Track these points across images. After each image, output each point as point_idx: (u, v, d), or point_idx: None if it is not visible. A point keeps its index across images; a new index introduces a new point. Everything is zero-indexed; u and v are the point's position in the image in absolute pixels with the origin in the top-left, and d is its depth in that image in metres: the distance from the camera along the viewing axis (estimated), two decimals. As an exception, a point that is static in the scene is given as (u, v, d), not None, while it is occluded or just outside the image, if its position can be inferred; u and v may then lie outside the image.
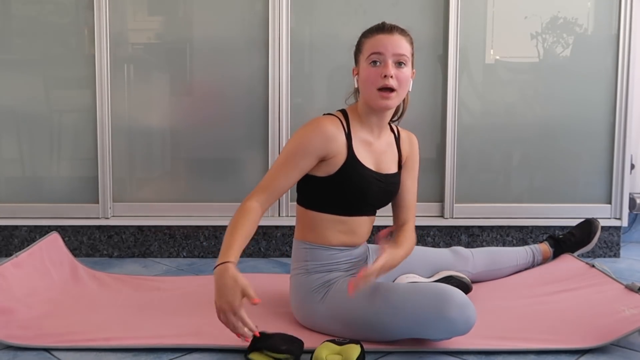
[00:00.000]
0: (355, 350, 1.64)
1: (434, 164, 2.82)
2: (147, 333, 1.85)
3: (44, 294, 2.10)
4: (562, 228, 2.76)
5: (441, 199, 2.81)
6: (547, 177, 2.84)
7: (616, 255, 2.83)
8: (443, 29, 2.75)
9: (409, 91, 1.90)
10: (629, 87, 2.75)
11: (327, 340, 1.69)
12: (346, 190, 1.86)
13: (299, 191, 1.92)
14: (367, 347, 1.70)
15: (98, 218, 2.78)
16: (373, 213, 1.97)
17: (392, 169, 1.95)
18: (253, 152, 2.80)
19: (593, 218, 2.52)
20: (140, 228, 2.80)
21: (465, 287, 2.12)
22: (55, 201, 2.80)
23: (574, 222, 2.61)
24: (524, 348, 1.75)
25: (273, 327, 1.86)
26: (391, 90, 1.80)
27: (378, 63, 1.80)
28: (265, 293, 2.20)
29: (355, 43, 1.90)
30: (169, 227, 2.80)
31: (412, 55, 1.87)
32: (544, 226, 2.80)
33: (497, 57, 2.82)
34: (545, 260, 2.44)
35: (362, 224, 1.93)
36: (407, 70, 1.83)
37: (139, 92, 2.81)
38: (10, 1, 2.74)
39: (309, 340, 1.76)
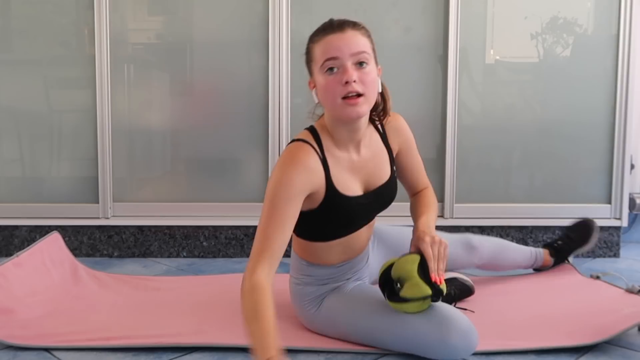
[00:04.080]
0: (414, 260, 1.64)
1: (434, 164, 2.82)
2: (147, 333, 1.85)
3: (44, 294, 2.10)
4: (562, 228, 2.76)
5: (441, 199, 2.81)
6: (547, 177, 2.84)
7: (616, 255, 2.83)
8: (443, 29, 2.75)
9: (384, 87, 1.72)
10: (628, 88, 2.75)
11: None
12: (333, 221, 1.74)
13: None
14: (364, 349, 1.70)
15: (98, 218, 2.78)
16: (372, 219, 1.89)
17: (385, 175, 1.80)
18: (253, 152, 2.80)
19: (588, 219, 2.47)
20: (140, 228, 2.80)
21: (468, 290, 2.12)
22: (56, 201, 2.80)
23: (574, 222, 2.62)
24: (524, 348, 1.75)
25: (279, 327, 1.87)
26: (358, 95, 1.59)
27: (335, 69, 1.59)
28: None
29: (306, 51, 1.72)
30: (169, 227, 2.80)
31: (374, 50, 1.66)
32: (544, 226, 2.80)
33: (497, 57, 2.82)
34: (544, 267, 2.42)
35: (360, 237, 1.84)
36: (370, 69, 1.61)
37: (139, 92, 2.82)
38: (10, 1, 2.74)
39: (312, 341, 1.77)
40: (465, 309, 2.00)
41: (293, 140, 1.71)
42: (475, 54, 2.79)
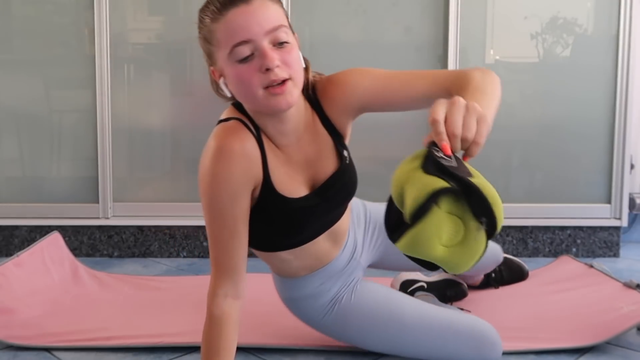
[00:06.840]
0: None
1: (434, 164, 2.81)
2: (147, 332, 1.85)
3: (44, 294, 2.10)
4: (562, 228, 2.77)
5: (441, 199, 2.80)
6: (547, 177, 2.84)
7: (616, 255, 2.83)
8: (443, 29, 2.75)
9: (305, 60, 1.42)
10: (628, 87, 2.75)
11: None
12: (273, 227, 1.43)
13: None
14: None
15: (98, 218, 2.78)
16: (330, 223, 1.53)
17: (330, 166, 1.44)
18: (253, 152, 2.80)
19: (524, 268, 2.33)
20: (140, 228, 2.80)
21: (462, 293, 2.11)
22: (56, 201, 2.80)
23: (573, 222, 2.62)
24: (524, 348, 1.75)
25: (279, 326, 1.86)
26: (283, 81, 1.25)
27: (250, 56, 1.25)
28: (266, 293, 2.20)
29: (200, 28, 1.35)
30: (169, 227, 2.80)
31: (287, 16, 1.34)
32: (544, 226, 2.80)
33: (497, 57, 2.82)
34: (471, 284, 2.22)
35: (320, 247, 1.53)
36: (292, 45, 1.28)
37: (139, 92, 2.82)
38: (10, 1, 2.74)
39: (311, 340, 1.77)
40: (462, 309, 1.99)
41: (221, 121, 1.39)
42: (475, 54, 2.79)
